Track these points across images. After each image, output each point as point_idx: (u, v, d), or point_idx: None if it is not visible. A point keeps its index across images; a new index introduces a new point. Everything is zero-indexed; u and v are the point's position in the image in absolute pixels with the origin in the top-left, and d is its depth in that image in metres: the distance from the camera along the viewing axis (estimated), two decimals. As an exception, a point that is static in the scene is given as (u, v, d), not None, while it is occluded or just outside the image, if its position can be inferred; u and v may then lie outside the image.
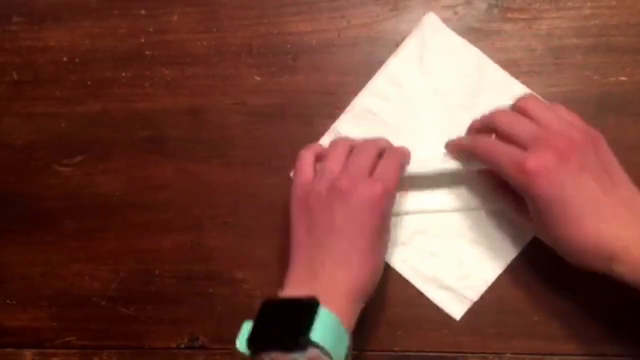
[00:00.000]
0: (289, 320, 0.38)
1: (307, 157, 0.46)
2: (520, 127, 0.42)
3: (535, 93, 0.47)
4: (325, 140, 0.50)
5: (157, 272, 0.52)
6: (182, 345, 0.52)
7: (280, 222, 0.51)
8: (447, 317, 0.49)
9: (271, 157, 0.51)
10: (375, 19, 0.50)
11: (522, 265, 0.48)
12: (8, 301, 0.54)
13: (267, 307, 0.40)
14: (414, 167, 0.47)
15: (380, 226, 0.42)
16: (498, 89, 0.48)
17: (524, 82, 0.48)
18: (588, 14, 0.48)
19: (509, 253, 0.48)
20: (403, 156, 0.46)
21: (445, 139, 0.47)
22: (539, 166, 0.40)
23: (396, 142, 0.48)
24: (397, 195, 0.46)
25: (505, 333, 0.48)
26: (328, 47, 0.51)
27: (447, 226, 0.49)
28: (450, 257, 0.49)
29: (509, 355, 0.48)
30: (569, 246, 0.41)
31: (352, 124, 0.50)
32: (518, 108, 0.43)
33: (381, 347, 0.49)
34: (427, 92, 0.49)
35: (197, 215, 0.52)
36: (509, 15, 0.49)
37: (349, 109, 0.50)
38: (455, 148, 0.46)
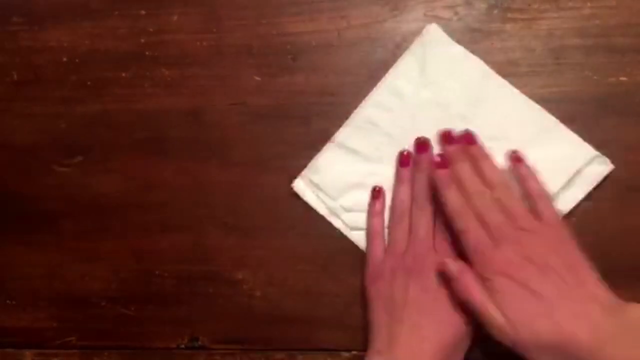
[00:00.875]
0: None
1: (376, 228, 0.49)
2: (491, 214, 0.44)
3: (531, 99, 0.48)
4: (328, 155, 0.50)
5: (157, 272, 0.52)
6: (182, 346, 0.52)
7: (280, 222, 0.51)
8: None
9: (271, 157, 0.51)
10: (375, 19, 0.50)
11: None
12: (8, 301, 0.54)
13: None
14: None
15: (448, 296, 0.44)
16: (499, 100, 0.48)
17: (524, 83, 0.48)
18: (588, 14, 0.48)
19: None
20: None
21: None
22: (504, 262, 0.42)
23: (397, 152, 0.49)
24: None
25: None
26: (328, 47, 0.51)
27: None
28: None
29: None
30: (537, 344, 0.40)
31: (354, 135, 0.50)
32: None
33: (381, 348, 0.49)
34: (428, 103, 0.49)
35: (197, 215, 0.52)
36: (509, 15, 0.49)
37: (349, 120, 0.50)
38: (434, 166, 0.47)
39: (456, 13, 0.49)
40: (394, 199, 0.49)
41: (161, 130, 0.52)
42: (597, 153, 0.47)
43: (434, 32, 0.49)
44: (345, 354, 0.50)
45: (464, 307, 0.44)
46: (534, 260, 0.42)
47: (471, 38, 0.49)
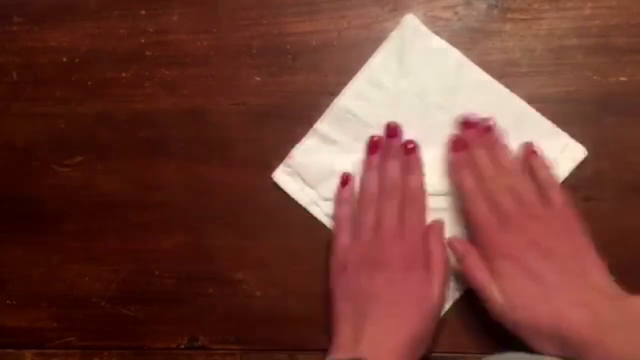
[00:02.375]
0: None
1: (343, 216, 0.48)
2: (502, 199, 0.44)
3: (517, 96, 0.48)
4: (307, 143, 0.50)
5: (157, 272, 0.52)
6: (182, 346, 0.52)
7: (280, 222, 0.51)
8: (447, 317, 0.49)
9: (271, 158, 0.51)
10: (375, 19, 0.50)
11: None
12: (8, 301, 0.54)
13: None
14: None
15: (411, 288, 0.44)
16: (477, 89, 0.49)
17: (524, 83, 0.48)
18: (588, 14, 0.48)
19: None
20: (423, 200, 0.48)
21: (425, 139, 0.48)
22: (508, 245, 0.43)
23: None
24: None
25: (505, 333, 0.48)
26: (328, 47, 0.51)
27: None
28: None
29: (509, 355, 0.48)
30: (534, 327, 0.41)
31: (333, 125, 0.50)
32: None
33: (381, 347, 0.49)
34: (407, 93, 0.49)
35: (197, 215, 0.52)
36: (509, 15, 0.49)
37: (328, 110, 0.50)
38: (451, 148, 0.47)
39: (456, 13, 0.49)
40: (361, 187, 0.48)
41: (161, 130, 0.52)
42: (571, 140, 0.48)
43: (411, 23, 0.49)
44: (345, 354, 0.50)
45: (429, 301, 0.44)
46: (539, 245, 0.42)
47: (471, 38, 0.49)
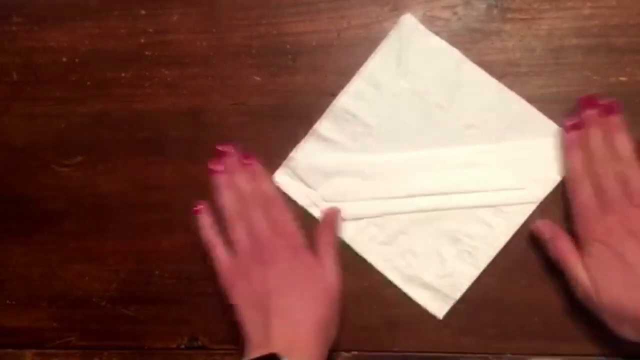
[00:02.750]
0: None
1: (209, 238, 0.49)
2: (609, 184, 0.45)
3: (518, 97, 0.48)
4: (308, 144, 0.50)
5: (157, 272, 0.52)
6: (182, 346, 0.52)
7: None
8: (447, 317, 0.49)
9: (271, 158, 0.51)
10: (375, 19, 0.50)
11: (522, 266, 0.48)
12: (8, 301, 0.54)
13: None
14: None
15: (305, 274, 0.46)
16: (476, 88, 0.49)
17: (524, 83, 0.48)
18: (588, 14, 0.48)
19: (490, 251, 0.48)
20: (279, 198, 0.50)
21: (424, 139, 0.49)
22: (606, 231, 0.43)
23: (376, 142, 0.50)
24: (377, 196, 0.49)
25: (505, 333, 0.48)
26: (328, 47, 0.51)
27: (429, 225, 0.49)
28: (431, 255, 0.49)
29: (509, 355, 0.48)
30: (618, 312, 0.42)
31: (333, 125, 0.50)
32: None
33: (381, 347, 0.49)
34: (406, 93, 0.50)
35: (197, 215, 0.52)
36: (509, 15, 0.49)
37: (328, 111, 0.50)
38: (567, 127, 0.47)
39: (455, 13, 0.49)
40: (222, 207, 0.49)
41: (161, 130, 0.52)
42: None
43: (409, 23, 0.49)
44: (345, 354, 0.50)
45: (323, 282, 0.46)
46: (637, 235, 0.43)
47: (471, 38, 0.49)
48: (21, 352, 0.54)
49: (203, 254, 0.51)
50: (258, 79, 0.51)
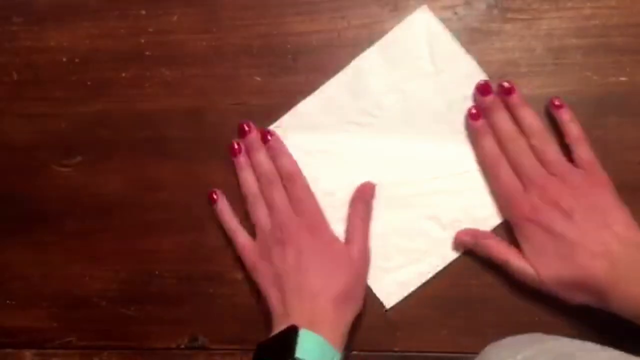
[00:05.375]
0: (277, 349, 0.42)
1: (229, 223, 0.50)
2: (525, 159, 0.45)
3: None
4: (286, 120, 0.50)
5: (157, 272, 0.52)
6: (182, 346, 0.52)
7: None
8: (447, 317, 0.49)
9: (271, 157, 0.51)
10: (376, 19, 0.50)
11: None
12: (8, 301, 0.54)
13: (259, 346, 0.44)
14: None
15: (323, 250, 0.46)
16: (466, 78, 0.49)
17: (524, 83, 0.48)
18: (588, 14, 0.48)
19: (447, 253, 0.49)
20: (300, 175, 0.49)
21: (412, 131, 0.49)
22: (531, 208, 0.44)
23: (360, 136, 0.50)
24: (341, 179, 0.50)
25: (505, 333, 0.48)
26: (328, 47, 0.51)
27: (388, 220, 0.49)
28: (389, 249, 0.49)
29: (508, 355, 0.48)
30: (560, 284, 0.43)
31: (316, 109, 0.50)
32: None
33: (381, 347, 0.49)
34: (392, 87, 0.50)
35: (198, 215, 0.52)
36: (509, 15, 0.49)
37: (317, 93, 0.50)
38: (469, 118, 0.48)
39: (455, 13, 0.49)
40: (241, 187, 0.50)
41: (161, 130, 0.52)
42: None
43: (422, 17, 0.49)
44: (345, 354, 0.50)
45: (345, 256, 0.46)
46: (560, 204, 0.43)
47: (471, 38, 0.49)
48: (21, 352, 0.54)
49: (203, 254, 0.52)
50: (258, 79, 0.51)
